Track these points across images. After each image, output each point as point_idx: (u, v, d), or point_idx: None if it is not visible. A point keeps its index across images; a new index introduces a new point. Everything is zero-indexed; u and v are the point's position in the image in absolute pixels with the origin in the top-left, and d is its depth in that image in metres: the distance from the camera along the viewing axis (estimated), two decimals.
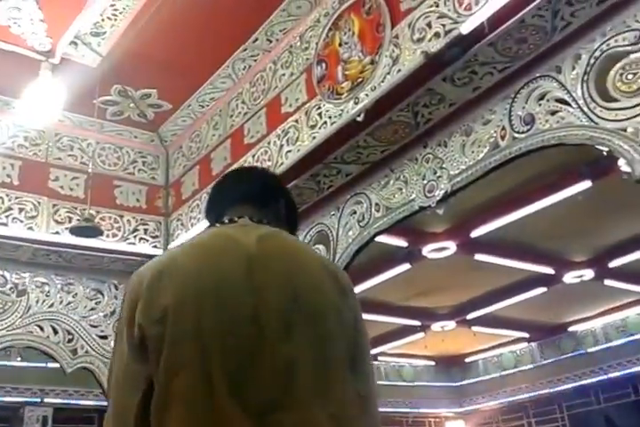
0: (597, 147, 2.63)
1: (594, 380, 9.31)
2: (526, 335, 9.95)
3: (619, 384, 9.15)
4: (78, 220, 3.75)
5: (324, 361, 1.20)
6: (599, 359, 9.26)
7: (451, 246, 6.36)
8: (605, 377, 9.18)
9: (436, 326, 8.83)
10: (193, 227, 4.22)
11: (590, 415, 10.11)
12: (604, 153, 4.37)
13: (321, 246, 3.74)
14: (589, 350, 9.48)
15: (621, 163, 4.11)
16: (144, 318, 1.18)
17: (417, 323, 8.72)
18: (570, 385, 9.53)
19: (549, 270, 7.29)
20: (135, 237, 4.25)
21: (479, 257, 6.74)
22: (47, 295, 4.13)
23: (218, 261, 1.27)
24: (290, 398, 1.13)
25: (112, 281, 4.35)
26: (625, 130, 2.36)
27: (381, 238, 5.97)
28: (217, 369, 1.13)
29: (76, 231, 3.56)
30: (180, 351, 1.15)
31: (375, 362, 10.33)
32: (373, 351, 9.93)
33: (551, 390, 9.75)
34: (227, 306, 1.20)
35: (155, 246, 4.25)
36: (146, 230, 4.32)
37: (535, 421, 10.04)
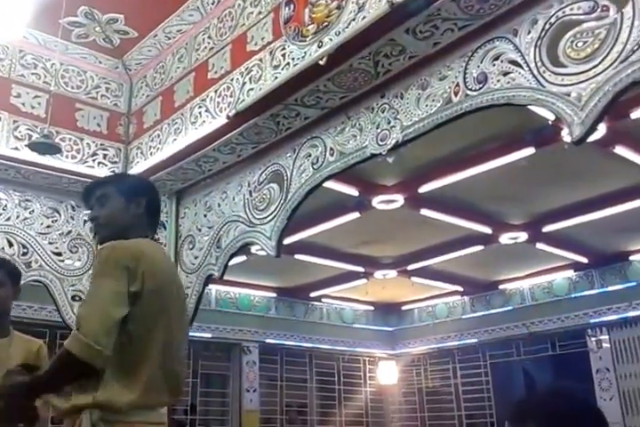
0: (542, 110, 2.62)
1: (516, 334, 9.66)
2: (460, 289, 10.19)
3: (538, 340, 9.52)
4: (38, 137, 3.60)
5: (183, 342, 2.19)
6: (523, 316, 9.57)
7: (399, 200, 6.39)
8: (527, 332, 9.54)
9: (378, 274, 8.95)
10: (152, 156, 4.12)
11: (510, 366, 10.57)
12: (550, 122, 4.42)
13: (275, 185, 3.70)
14: (516, 306, 9.79)
15: (564, 133, 4.15)
16: (147, 282, 1.93)
17: (361, 270, 8.81)
18: (494, 337, 9.86)
19: (487, 230, 7.40)
20: (94, 160, 4.12)
21: (424, 212, 6.79)
22: (4, 209, 4.01)
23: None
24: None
25: (70, 202, 4.23)
26: (569, 94, 2.35)
27: (335, 186, 6.01)
28: (169, 334, 2.05)
29: (34, 147, 3.42)
30: (158, 316, 1.99)
31: (319, 303, 10.52)
32: (319, 293, 10.11)
33: (477, 340, 10.09)
34: (179, 295, 2.22)
35: (113, 171, 4.14)
36: (105, 155, 4.19)
37: (460, 366, 10.42)
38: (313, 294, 10.16)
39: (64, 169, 3.95)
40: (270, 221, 3.61)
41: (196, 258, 4.19)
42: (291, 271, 8.94)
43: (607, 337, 8.70)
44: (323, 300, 10.46)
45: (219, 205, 4.03)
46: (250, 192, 3.82)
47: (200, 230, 4.14)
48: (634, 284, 8.55)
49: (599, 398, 8.63)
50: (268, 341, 9.60)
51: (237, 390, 9.10)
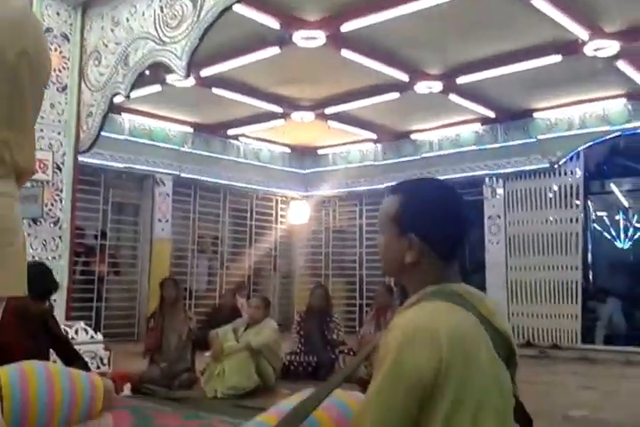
0: None
1: None
2: (374, 136, 10.47)
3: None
4: None
5: None
6: (431, 164, 10.09)
7: (320, 37, 6.28)
8: None
9: (296, 116, 9.02)
10: None
11: None
12: None
13: (187, 2, 3.60)
14: (424, 155, 10.26)
15: None
16: None
17: (279, 110, 8.84)
18: None
19: (404, 77, 7.50)
20: None
21: (345, 53, 6.75)
22: None
23: None
24: None
25: None
26: None
27: (256, 16, 5.83)
28: None
29: None
30: None
31: (236, 142, 10.62)
32: (237, 131, 10.17)
33: (385, 185, 10.64)
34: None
35: None
36: None
37: (366, 208, 11.07)
38: (230, 132, 10.21)
39: None
40: (182, 40, 3.56)
41: (101, 75, 4.12)
42: (208, 106, 8.86)
43: (502, 187, 9.42)
44: (240, 138, 10.55)
45: (127, 20, 3.90)
46: (161, 8, 3.70)
47: (107, 46, 4.03)
48: (533, 140, 9.10)
49: (487, 242, 9.57)
50: (182, 174, 9.76)
51: (150, 219, 9.40)
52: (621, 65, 6.96)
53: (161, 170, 9.51)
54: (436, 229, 1.41)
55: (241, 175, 10.64)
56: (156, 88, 7.82)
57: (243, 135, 10.46)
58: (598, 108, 8.51)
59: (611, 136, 8.63)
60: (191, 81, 7.45)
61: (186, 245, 10.02)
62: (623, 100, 8.26)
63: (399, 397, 1.23)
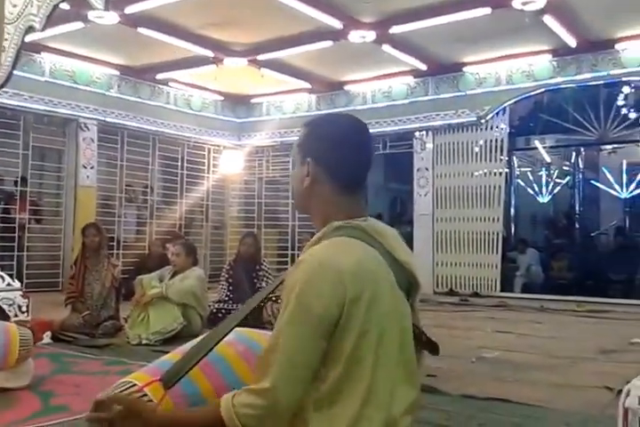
0: None
1: None
2: (308, 86, 10.31)
3: (373, 139, 10.18)
4: None
5: None
6: (362, 116, 9.94)
7: None
8: None
9: (228, 61, 8.74)
10: None
11: None
12: None
13: None
14: (357, 107, 10.21)
15: None
16: None
17: (210, 54, 8.52)
18: None
19: (338, 25, 7.35)
20: None
21: None
22: None
23: None
24: None
25: None
26: None
27: None
28: None
29: None
30: None
31: (166, 87, 10.23)
32: (166, 75, 9.78)
33: None
34: None
35: None
36: None
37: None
38: (159, 77, 9.80)
39: None
40: None
41: (14, 7, 3.82)
42: (135, 48, 8.44)
43: (431, 140, 9.53)
44: (170, 84, 10.17)
45: None
46: None
47: None
48: (463, 94, 9.18)
49: (416, 194, 9.73)
50: (108, 119, 9.35)
51: (73, 165, 9.03)
52: (548, 20, 7.04)
53: (85, 114, 9.08)
54: (333, 154, 1.42)
55: (171, 122, 10.32)
56: (78, 25, 7.37)
57: (173, 80, 10.08)
58: (524, 64, 8.64)
59: (535, 92, 8.81)
60: (115, 18, 7.07)
61: (113, 194, 9.72)
62: (548, 57, 8.41)
63: (307, 330, 1.25)
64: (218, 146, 11.29)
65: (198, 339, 1.59)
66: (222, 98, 11.08)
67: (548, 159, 13.30)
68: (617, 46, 7.94)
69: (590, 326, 6.41)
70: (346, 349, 1.26)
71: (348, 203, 1.42)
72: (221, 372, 1.66)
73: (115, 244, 9.25)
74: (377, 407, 1.28)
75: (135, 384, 1.56)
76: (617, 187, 13.49)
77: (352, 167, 1.43)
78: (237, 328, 1.60)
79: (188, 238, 10.65)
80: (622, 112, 10.90)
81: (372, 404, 1.27)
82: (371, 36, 7.58)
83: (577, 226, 13.21)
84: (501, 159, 9.15)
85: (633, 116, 10.93)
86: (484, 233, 9.12)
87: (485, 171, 9.18)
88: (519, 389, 3.67)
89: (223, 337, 1.48)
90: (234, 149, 11.46)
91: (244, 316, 1.51)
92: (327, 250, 1.33)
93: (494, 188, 9.11)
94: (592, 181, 13.71)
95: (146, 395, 1.49)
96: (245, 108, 11.40)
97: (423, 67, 9.03)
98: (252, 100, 11.25)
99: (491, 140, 9.14)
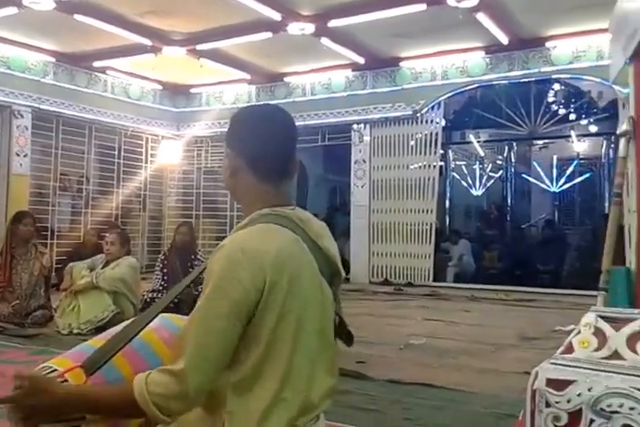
0: None
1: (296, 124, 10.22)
2: (248, 77, 10.26)
3: (312, 131, 10.27)
4: None
5: None
6: (303, 108, 10.08)
7: None
8: (303, 123, 10.17)
9: (166, 50, 8.58)
10: None
11: None
12: None
13: None
14: (297, 99, 10.23)
15: None
16: None
17: (148, 43, 8.35)
18: None
19: (277, 16, 7.35)
20: None
21: None
22: None
23: None
24: None
25: None
26: None
27: None
28: None
29: None
30: None
31: (103, 75, 9.98)
32: (104, 63, 9.53)
33: None
34: None
35: None
36: None
37: None
38: (97, 64, 9.54)
39: None
40: None
41: None
42: (72, 34, 8.19)
43: (368, 133, 9.66)
44: (108, 72, 9.91)
45: None
46: None
47: None
48: (399, 88, 9.34)
49: (353, 186, 9.85)
50: (43, 107, 9.04)
51: (6, 153, 8.71)
52: (481, 17, 7.24)
53: (19, 101, 8.75)
54: (252, 145, 1.43)
55: (108, 111, 10.07)
56: (13, 11, 7.12)
57: (110, 68, 9.83)
58: (459, 60, 8.86)
59: (469, 88, 9.05)
60: (51, 4, 6.86)
61: (47, 183, 9.43)
62: (482, 53, 8.65)
63: (221, 313, 1.26)
64: (156, 135, 11.11)
65: (123, 325, 1.59)
66: (161, 87, 10.90)
67: (482, 153, 13.69)
68: (547, 44, 8.24)
69: (516, 315, 6.67)
70: (265, 332, 1.28)
71: (272, 192, 1.43)
72: (145, 358, 1.65)
73: (48, 233, 9.01)
74: (295, 391, 1.30)
75: (56, 369, 1.53)
76: (547, 181, 14.04)
77: (272, 158, 1.43)
78: (164, 314, 1.62)
79: (124, 228, 10.51)
80: (552, 108, 11.36)
81: (290, 387, 1.30)
82: (310, 28, 7.61)
83: (508, 218, 13.68)
84: (436, 152, 9.37)
85: (562, 112, 11.41)
86: (419, 224, 9.33)
87: (420, 164, 9.37)
88: (443, 374, 3.82)
89: (147, 324, 1.47)
90: (172, 138, 11.30)
91: (167, 303, 1.52)
92: (249, 236, 1.34)
93: (429, 180, 9.32)
94: (524, 175, 14.22)
95: (66, 381, 1.46)
96: (185, 97, 11.26)
97: (361, 60, 9.13)
98: (192, 90, 11.12)
99: (426, 134, 9.34)
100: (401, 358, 4.32)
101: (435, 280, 9.22)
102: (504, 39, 8.14)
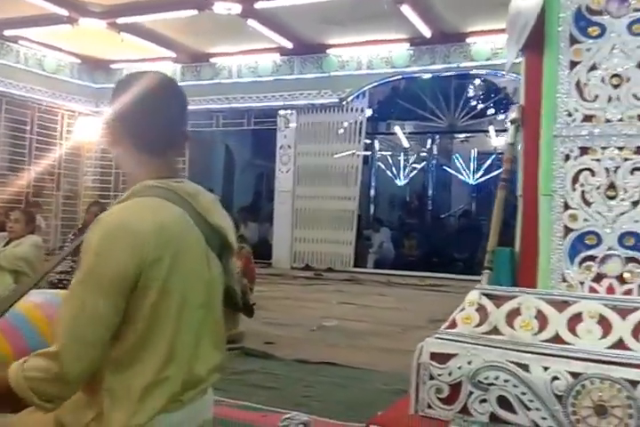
0: None
1: (219, 106, 10.13)
2: (173, 55, 10.01)
3: (238, 114, 10.19)
4: None
5: None
6: (229, 90, 9.98)
7: None
8: (229, 106, 10.07)
9: (84, 22, 8.24)
10: None
11: (213, 137, 11.36)
12: None
13: None
14: (223, 81, 10.10)
15: None
16: None
17: (65, 13, 8.01)
18: (197, 107, 10.11)
19: None
20: None
21: None
22: None
23: None
24: None
25: None
26: None
27: None
28: None
29: None
30: None
31: (15, 45, 9.51)
32: (15, 32, 9.07)
33: None
34: None
35: None
36: None
37: None
38: (8, 33, 9.05)
39: None
40: None
41: None
42: None
43: (295, 119, 9.67)
44: (20, 42, 9.43)
45: None
46: None
47: None
48: (326, 75, 9.39)
49: (278, 171, 9.85)
50: None
51: None
52: (405, 10, 7.36)
53: None
54: (131, 115, 1.38)
55: (21, 83, 9.60)
56: None
57: (23, 38, 9.35)
58: (385, 50, 8.99)
59: (393, 79, 9.21)
60: None
61: None
62: (406, 45, 8.80)
63: (96, 289, 1.22)
64: (73, 111, 10.70)
65: None
66: (79, 61, 10.49)
67: (406, 144, 13.96)
68: (468, 40, 8.47)
69: (428, 299, 6.91)
70: (146, 308, 1.24)
71: (155, 163, 1.38)
72: (24, 335, 1.59)
73: None
74: (178, 366, 1.28)
75: None
76: (466, 173, 14.49)
77: (154, 126, 1.38)
78: (54, 290, 1.57)
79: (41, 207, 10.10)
80: (471, 103, 11.72)
81: (173, 363, 1.28)
82: (236, 8, 7.50)
83: (429, 208, 14.07)
84: (360, 141, 9.48)
85: (480, 107, 11.79)
86: (341, 211, 9.44)
87: (345, 152, 9.47)
88: (350, 354, 3.92)
89: (18, 299, 1.41)
90: (91, 115, 10.90)
91: (41, 277, 1.49)
92: (128, 210, 1.29)
93: (352, 168, 9.44)
94: (444, 167, 14.61)
95: None
96: (104, 73, 10.87)
97: (289, 45, 9.10)
98: (112, 66, 10.75)
99: (350, 123, 9.44)
100: (311, 339, 4.40)
101: (355, 266, 9.38)
102: (427, 32, 8.31)
